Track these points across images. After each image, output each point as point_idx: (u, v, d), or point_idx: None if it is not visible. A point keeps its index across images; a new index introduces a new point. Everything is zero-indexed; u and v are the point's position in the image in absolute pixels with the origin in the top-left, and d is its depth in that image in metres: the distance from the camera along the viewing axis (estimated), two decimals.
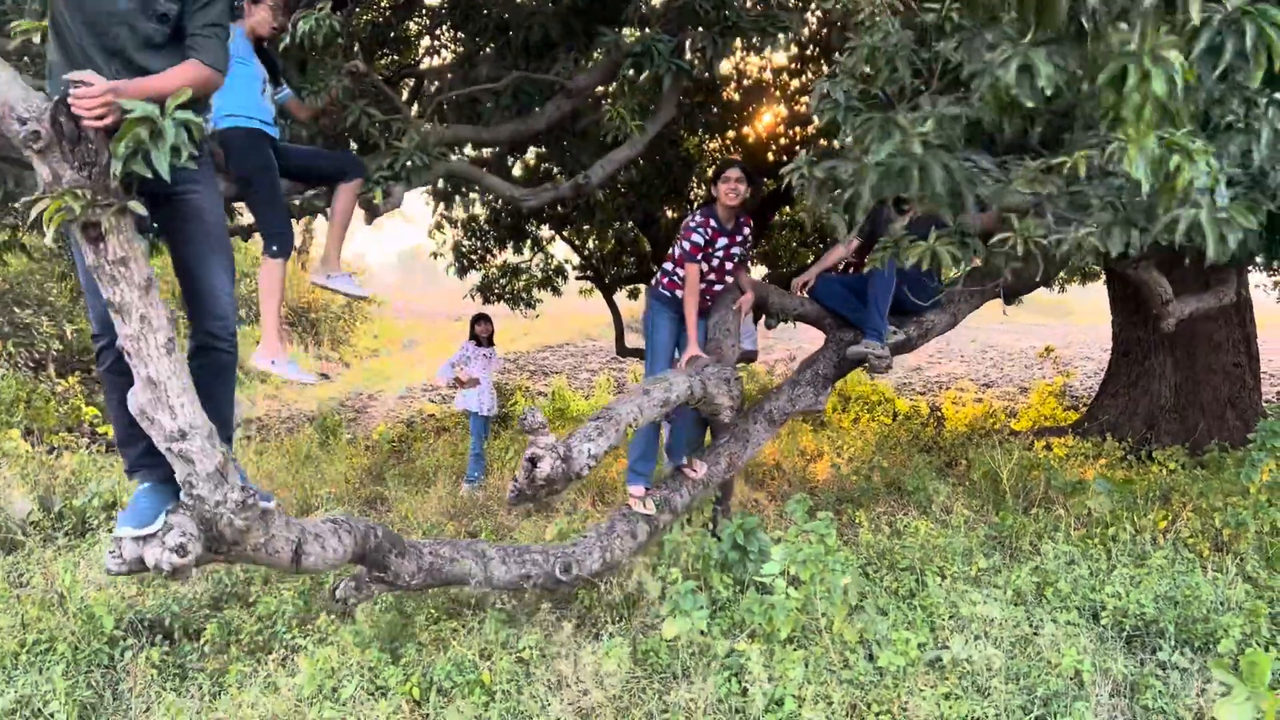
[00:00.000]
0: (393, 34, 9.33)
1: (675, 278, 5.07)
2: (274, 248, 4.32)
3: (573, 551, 4.31)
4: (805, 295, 5.77)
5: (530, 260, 12.74)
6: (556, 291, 12.92)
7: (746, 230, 5.12)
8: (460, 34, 9.05)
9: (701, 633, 3.62)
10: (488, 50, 8.01)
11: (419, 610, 4.23)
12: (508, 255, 12.54)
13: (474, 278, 12.59)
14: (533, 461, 3.47)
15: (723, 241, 5.01)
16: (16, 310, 12.08)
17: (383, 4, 9.13)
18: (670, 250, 5.25)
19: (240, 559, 3.14)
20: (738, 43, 6.29)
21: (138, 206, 2.42)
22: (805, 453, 8.08)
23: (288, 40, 5.05)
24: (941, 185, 2.79)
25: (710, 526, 5.40)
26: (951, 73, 3.28)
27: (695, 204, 11.10)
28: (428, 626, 4.11)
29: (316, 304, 17.03)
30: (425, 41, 9.68)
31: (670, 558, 4.46)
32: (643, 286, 12.43)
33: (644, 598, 4.19)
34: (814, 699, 3.34)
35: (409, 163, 5.08)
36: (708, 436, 5.67)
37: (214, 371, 3.09)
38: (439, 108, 7.14)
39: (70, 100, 2.27)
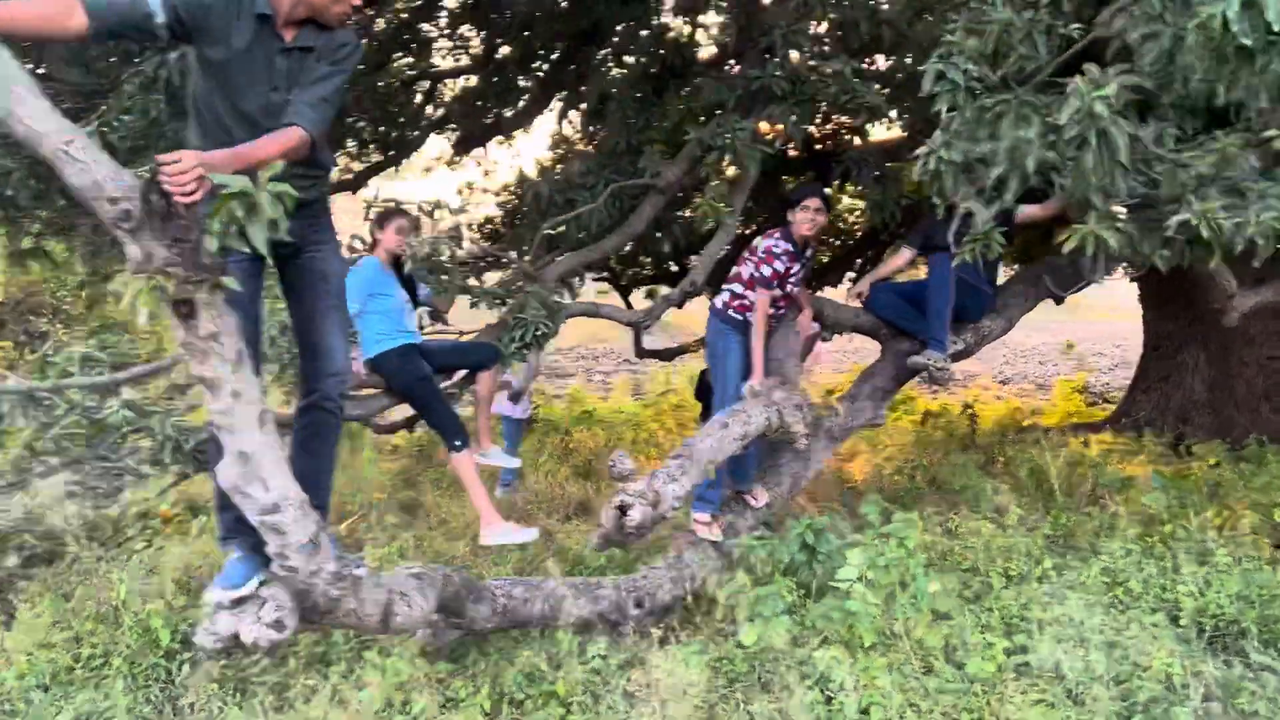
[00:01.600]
0: (408, 37, 9.28)
1: (746, 301, 4.97)
2: (456, 443, 4.77)
3: (644, 584, 4.22)
4: (859, 306, 5.68)
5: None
6: (573, 294, 12.82)
7: (810, 252, 5.04)
8: (481, 33, 9.01)
9: (789, 640, 3.53)
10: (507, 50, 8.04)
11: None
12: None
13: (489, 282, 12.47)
14: (622, 509, 3.39)
15: (796, 267, 4.92)
16: (31, 319, 11.97)
17: (398, 6, 9.06)
18: (736, 271, 5.12)
19: (331, 625, 3.05)
20: None
21: (231, 283, 2.35)
22: (840, 452, 7.98)
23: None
24: (1125, 155, 2.66)
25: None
26: (1087, 49, 3.15)
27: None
28: (492, 637, 4.01)
29: None
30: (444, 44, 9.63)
31: (740, 562, 4.36)
32: (662, 288, 12.34)
33: (713, 603, 4.09)
34: (902, 708, 3.25)
35: (537, 331, 5.33)
36: None
37: (321, 431, 3.09)
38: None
39: (160, 177, 2.19)
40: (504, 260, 6.77)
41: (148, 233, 2.21)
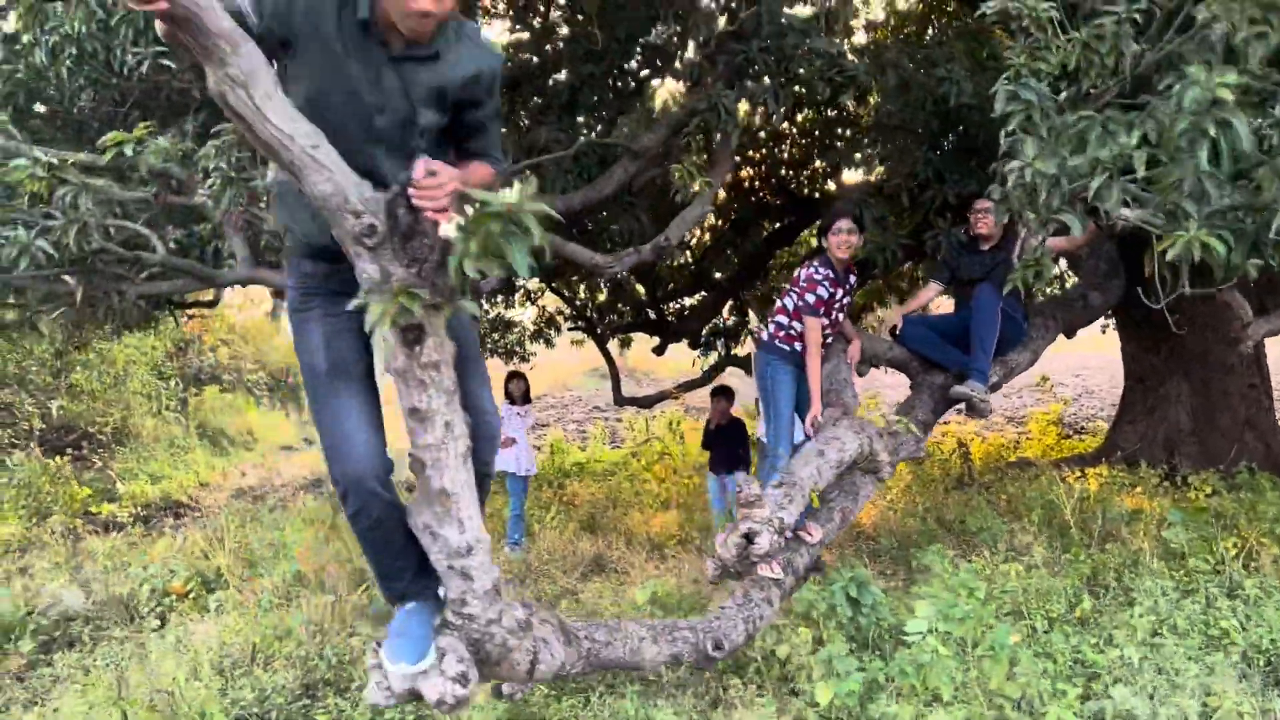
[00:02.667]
0: None
1: (793, 331, 4.99)
2: None
3: (718, 625, 4.17)
4: (891, 339, 5.75)
5: (521, 311, 12.67)
6: (550, 344, 12.82)
7: (853, 277, 5.08)
8: None
9: (863, 697, 3.51)
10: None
11: (534, 688, 4.06)
12: (499, 309, 12.42)
13: None
14: (748, 537, 3.35)
15: (839, 293, 4.96)
16: None
17: None
18: (780, 302, 5.16)
19: (487, 677, 2.90)
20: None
21: (471, 306, 2.25)
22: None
23: None
24: (1248, 144, 2.65)
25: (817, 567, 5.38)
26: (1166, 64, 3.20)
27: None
28: (547, 704, 3.95)
29: (297, 369, 16.68)
30: None
31: (798, 617, 4.35)
32: (643, 336, 12.38)
33: (773, 655, 4.07)
34: None
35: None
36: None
37: (480, 494, 2.89)
38: None
39: (412, 191, 2.09)
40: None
41: (388, 250, 2.13)
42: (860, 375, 5.82)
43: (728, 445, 7.26)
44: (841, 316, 5.12)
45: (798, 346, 4.98)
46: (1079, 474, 7.99)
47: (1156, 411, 8.83)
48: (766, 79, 6.00)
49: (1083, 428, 12.84)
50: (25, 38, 4.93)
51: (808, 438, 5.04)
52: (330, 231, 2.32)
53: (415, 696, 2.58)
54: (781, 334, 5.04)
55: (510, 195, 1.97)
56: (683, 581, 5.52)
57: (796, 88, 6.17)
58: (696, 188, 5.88)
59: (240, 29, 2.18)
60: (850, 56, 6.15)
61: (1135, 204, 3.02)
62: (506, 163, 2.71)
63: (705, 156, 6.47)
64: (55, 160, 4.07)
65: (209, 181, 4.20)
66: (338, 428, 2.54)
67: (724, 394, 7.59)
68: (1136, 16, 3.27)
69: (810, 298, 4.89)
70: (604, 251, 6.79)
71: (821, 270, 4.93)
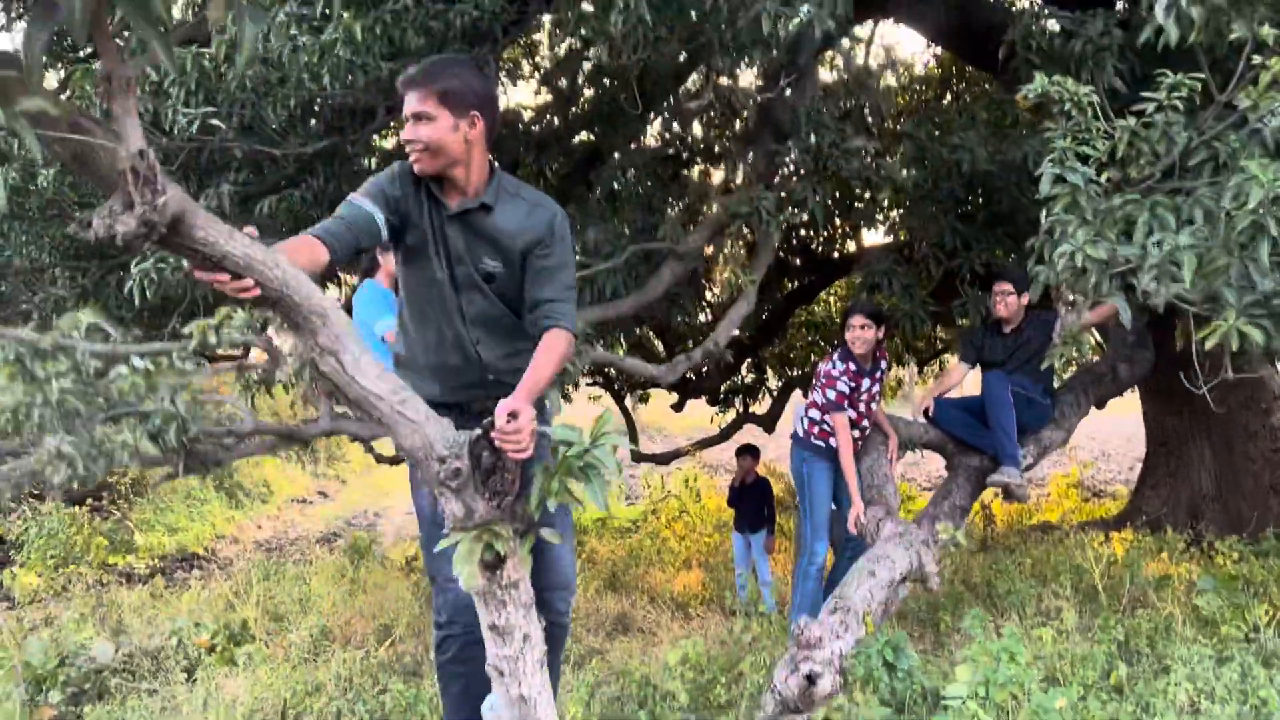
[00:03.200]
0: None
1: (825, 426, 5.03)
2: None
3: None
4: (925, 421, 5.79)
5: None
6: (567, 399, 12.84)
7: (884, 364, 5.12)
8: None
9: None
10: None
11: None
12: None
13: None
14: (810, 679, 3.36)
15: (865, 384, 5.00)
16: None
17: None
18: (811, 397, 5.21)
19: None
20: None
21: (553, 535, 2.38)
22: None
23: None
24: None
25: None
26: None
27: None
28: None
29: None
30: None
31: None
32: (660, 392, 12.42)
33: None
34: None
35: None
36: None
37: (555, 644, 3.01)
38: None
39: (496, 436, 2.19)
40: None
41: (471, 490, 2.22)
42: (900, 458, 5.84)
43: (753, 504, 7.28)
44: (875, 406, 5.15)
45: (831, 442, 5.02)
46: (1104, 538, 7.96)
47: (1179, 475, 8.81)
48: (804, 175, 6.17)
49: (1101, 490, 12.80)
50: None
51: (855, 537, 5.06)
52: (452, 389, 2.69)
53: None
54: (815, 430, 5.10)
55: (586, 437, 2.18)
56: (710, 643, 5.50)
57: (834, 189, 6.34)
58: (743, 287, 6.05)
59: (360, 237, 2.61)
60: (886, 156, 6.30)
61: (1176, 294, 3.06)
62: (572, 312, 2.81)
63: (746, 252, 6.64)
64: (151, 366, 4.23)
65: (289, 359, 4.34)
66: (440, 571, 2.81)
67: (750, 452, 7.62)
68: (1178, 103, 3.35)
69: (831, 393, 4.96)
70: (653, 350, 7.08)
71: (840, 365, 4.99)
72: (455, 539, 2.26)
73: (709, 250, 6.80)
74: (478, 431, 2.23)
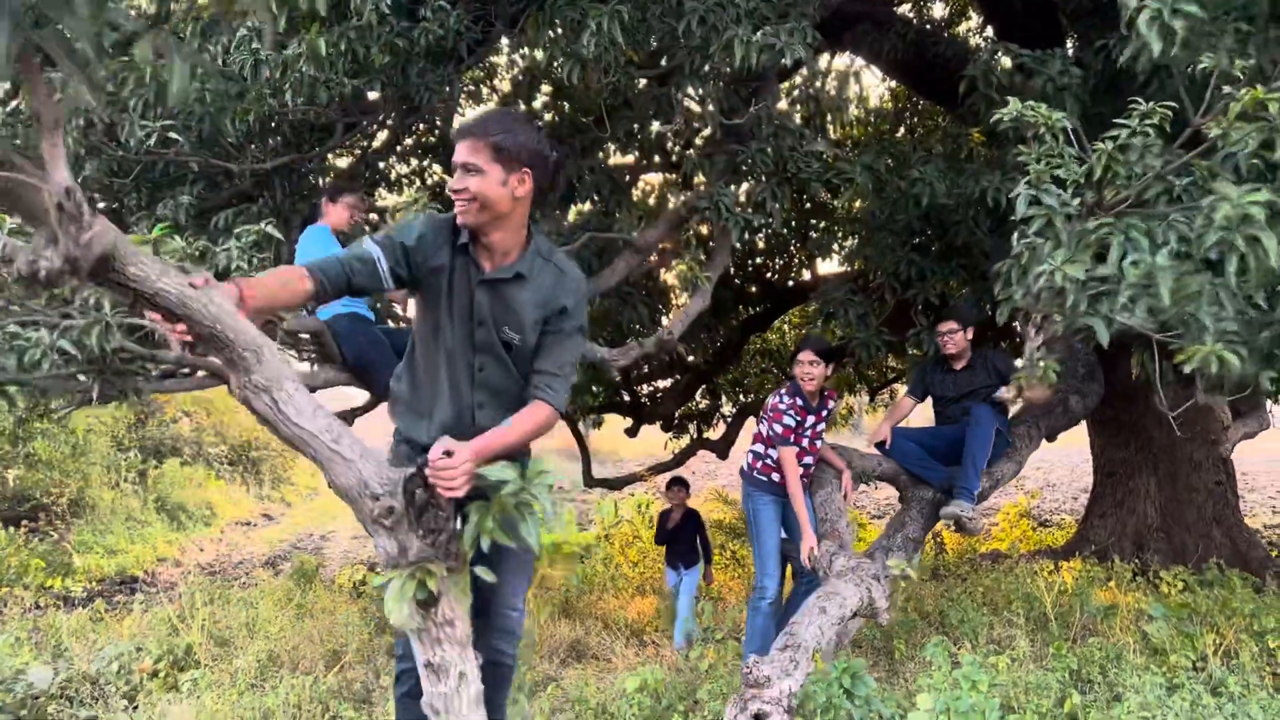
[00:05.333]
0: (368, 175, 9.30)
1: (769, 460, 5.05)
2: None
3: None
4: (879, 453, 5.83)
5: None
6: None
7: (830, 404, 5.15)
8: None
9: None
10: None
11: None
12: None
13: None
14: (758, 717, 3.35)
15: (810, 419, 5.03)
16: None
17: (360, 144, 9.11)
18: (757, 430, 5.24)
19: None
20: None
21: (486, 574, 2.38)
22: None
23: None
24: (1276, 260, 2.74)
25: None
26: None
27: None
28: None
29: (258, 442, 16.46)
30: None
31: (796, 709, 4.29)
32: (616, 418, 12.38)
33: None
34: None
35: None
36: None
37: (498, 684, 3.00)
38: None
39: (429, 471, 2.20)
40: None
41: (405, 527, 2.21)
42: (854, 491, 5.87)
43: (686, 538, 7.12)
44: (819, 444, 5.19)
45: (774, 477, 5.05)
46: (1053, 567, 8.05)
47: (1125, 505, 8.95)
48: (764, 178, 6.16)
49: (1048, 520, 12.96)
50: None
51: (807, 571, 5.07)
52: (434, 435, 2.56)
53: None
54: (759, 464, 5.13)
55: (517, 477, 2.20)
56: (667, 670, 5.45)
57: (793, 189, 6.34)
58: (699, 283, 6.02)
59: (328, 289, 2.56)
60: (844, 160, 6.33)
61: (1150, 314, 3.10)
62: (564, 390, 2.80)
63: (703, 252, 6.60)
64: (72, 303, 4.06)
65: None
66: None
67: (681, 484, 7.49)
68: (1150, 130, 3.41)
69: (778, 427, 4.99)
70: (604, 343, 6.91)
71: (787, 399, 5.03)
72: (388, 577, 2.25)
73: (665, 246, 6.71)
74: (412, 470, 2.24)
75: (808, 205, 9.51)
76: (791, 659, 3.67)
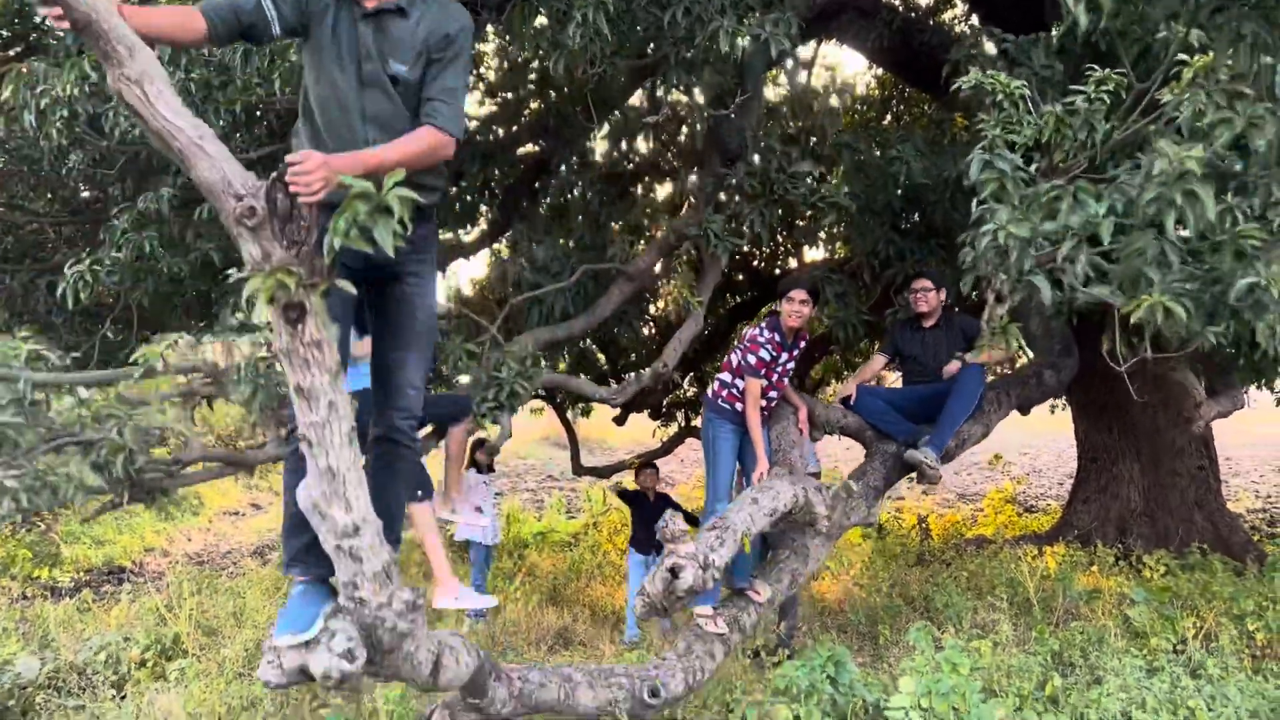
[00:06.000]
0: None
1: (735, 390, 5.09)
2: (417, 493, 4.44)
3: (656, 674, 4.17)
4: (844, 408, 5.88)
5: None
6: (513, 410, 12.76)
7: (802, 344, 5.20)
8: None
9: None
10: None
11: None
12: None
13: None
14: (673, 572, 3.37)
15: (784, 357, 5.06)
16: None
17: None
18: (726, 359, 5.28)
19: (388, 673, 2.93)
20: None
21: (346, 285, 2.33)
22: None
23: None
24: (1212, 212, 2.78)
25: (783, 642, 5.50)
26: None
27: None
28: None
29: (246, 434, 16.41)
30: None
31: (778, 694, 4.34)
32: (604, 406, 12.39)
33: None
34: None
35: (513, 389, 5.21)
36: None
37: (391, 466, 3.00)
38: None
39: (287, 176, 2.21)
40: (477, 322, 6.50)
41: (268, 232, 2.20)
42: (814, 441, 5.92)
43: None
44: (785, 381, 5.24)
45: (738, 406, 5.08)
46: (1037, 552, 8.11)
47: (1109, 491, 9.03)
48: (750, 198, 6.24)
49: (1034, 505, 13.05)
50: (6, 92, 4.93)
51: None
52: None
53: (306, 676, 2.66)
54: (725, 392, 5.16)
55: (369, 182, 2.16)
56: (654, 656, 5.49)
57: (780, 211, 6.41)
58: (691, 308, 6.11)
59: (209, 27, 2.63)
60: (828, 178, 6.43)
61: (1100, 277, 3.15)
62: (454, 116, 2.81)
63: (694, 273, 6.72)
64: (98, 398, 4.11)
65: (239, 386, 4.26)
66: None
67: (651, 468, 7.56)
68: (1105, 96, 3.47)
69: (751, 358, 5.02)
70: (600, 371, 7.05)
71: (767, 333, 5.06)
72: (249, 282, 2.22)
73: (656, 269, 6.82)
74: (274, 175, 2.23)
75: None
76: (719, 537, 3.73)
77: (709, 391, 5.35)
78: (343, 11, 2.79)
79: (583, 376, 8.59)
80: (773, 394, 5.22)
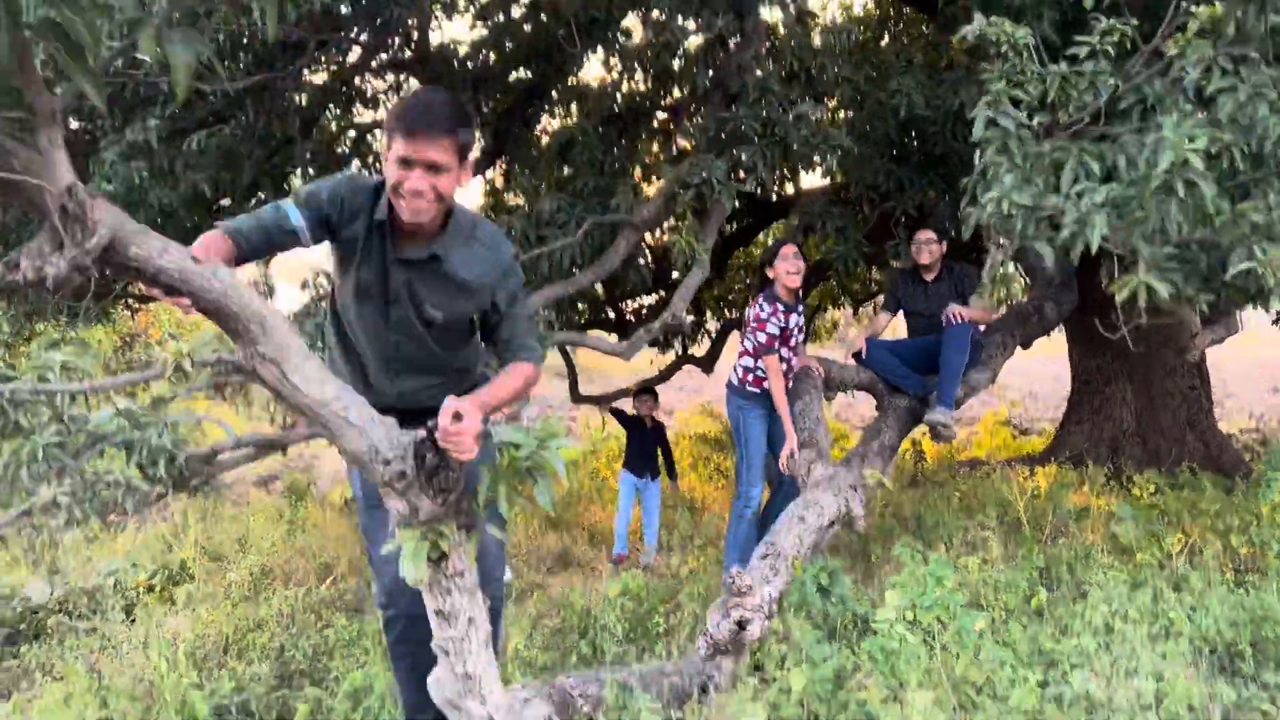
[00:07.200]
0: (345, 90, 9.19)
1: (759, 373, 5.11)
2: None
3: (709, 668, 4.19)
4: (856, 364, 5.93)
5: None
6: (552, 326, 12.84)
7: (803, 302, 5.22)
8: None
9: (833, 683, 3.63)
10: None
11: None
12: None
13: None
14: (741, 624, 3.47)
15: (792, 321, 5.08)
16: None
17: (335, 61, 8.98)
18: (742, 346, 5.29)
19: None
20: None
21: (498, 533, 2.49)
22: None
23: None
24: (1211, 204, 2.83)
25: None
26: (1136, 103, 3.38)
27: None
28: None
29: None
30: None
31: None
32: (602, 334, 12.44)
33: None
34: None
35: None
36: None
37: (493, 618, 3.05)
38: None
39: (440, 438, 2.19)
40: None
41: (416, 489, 2.24)
42: (828, 400, 5.97)
43: (651, 447, 7.24)
44: (800, 339, 5.26)
45: (765, 387, 5.11)
46: (1029, 472, 8.23)
47: (1102, 412, 9.11)
48: (754, 143, 6.20)
49: (1029, 428, 13.17)
50: None
51: (785, 476, 5.18)
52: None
53: None
54: (750, 377, 5.19)
55: (534, 439, 2.23)
56: (649, 575, 5.62)
57: (782, 154, 6.37)
58: (697, 255, 6.10)
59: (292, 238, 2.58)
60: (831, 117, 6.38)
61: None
62: (538, 344, 2.83)
63: (697, 219, 6.68)
64: (134, 408, 4.14)
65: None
66: (376, 554, 2.87)
67: (650, 394, 7.66)
68: (1110, 49, 3.43)
69: (762, 336, 5.03)
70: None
71: (768, 307, 5.06)
72: (401, 537, 2.29)
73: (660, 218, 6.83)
74: (422, 433, 2.24)
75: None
76: (772, 566, 3.80)
77: (733, 379, 5.38)
78: (374, 246, 2.66)
79: (590, 334, 8.65)
80: (793, 358, 5.24)
